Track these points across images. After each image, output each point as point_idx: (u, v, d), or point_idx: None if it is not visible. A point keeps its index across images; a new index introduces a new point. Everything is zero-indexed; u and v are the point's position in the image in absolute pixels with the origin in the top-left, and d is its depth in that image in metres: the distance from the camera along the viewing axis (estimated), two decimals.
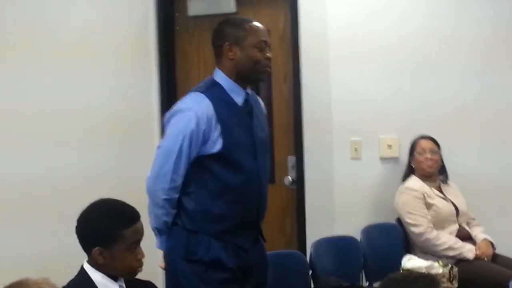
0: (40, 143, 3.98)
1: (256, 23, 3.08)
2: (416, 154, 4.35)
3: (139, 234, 2.56)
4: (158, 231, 3.04)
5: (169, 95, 4.92)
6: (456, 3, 4.55)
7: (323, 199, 4.63)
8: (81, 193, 4.06)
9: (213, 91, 2.99)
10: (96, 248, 2.47)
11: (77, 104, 4.22)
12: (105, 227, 2.49)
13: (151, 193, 3.00)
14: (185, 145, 2.91)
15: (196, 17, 5.02)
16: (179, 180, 2.97)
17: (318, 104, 4.66)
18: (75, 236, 2.55)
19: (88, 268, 2.52)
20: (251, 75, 3.05)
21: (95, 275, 2.51)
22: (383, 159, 4.66)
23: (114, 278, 2.53)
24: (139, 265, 2.57)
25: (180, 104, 3.01)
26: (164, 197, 2.96)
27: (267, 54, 3.05)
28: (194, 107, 2.93)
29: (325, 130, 4.65)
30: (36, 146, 3.96)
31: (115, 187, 4.26)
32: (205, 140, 2.94)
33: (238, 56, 3.00)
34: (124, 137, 4.60)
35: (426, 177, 4.34)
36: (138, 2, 4.90)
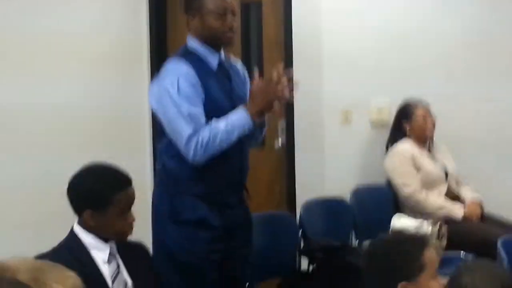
0: (30, 146, 3.98)
1: None
2: (416, 119, 4.40)
3: (131, 198, 2.57)
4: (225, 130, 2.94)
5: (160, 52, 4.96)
6: None
7: (313, 162, 4.69)
8: (75, 119, 4.20)
9: (189, 56, 3.01)
10: (88, 210, 2.48)
11: (68, 107, 4.22)
12: (98, 190, 2.49)
13: (198, 150, 2.90)
14: (183, 82, 2.91)
15: None
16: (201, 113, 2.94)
17: (309, 70, 4.67)
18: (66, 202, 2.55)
19: (79, 230, 2.51)
20: (213, 42, 3.05)
21: (86, 237, 2.50)
22: (373, 123, 4.73)
23: (105, 240, 2.53)
24: (129, 229, 2.58)
25: (161, 72, 3.02)
26: (207, 133, 2.90)
27: (229, 23, 3.02)
28: (179, 67, 2.96)
29: (315, 97, 4.69)
30: (27, 150, 3.96)
31: (103, 114, 4.41)
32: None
33: (197, 25, 3.02)
34: (115, 140, 4.60)
35: (418, 141, 4.41)
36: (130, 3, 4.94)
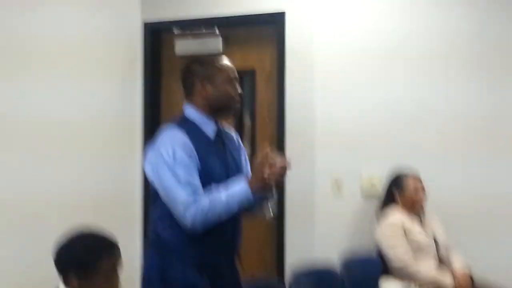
0: (21, 155, 3.98)
1: (224, 60, 3.17)
2: (408, 191, 4.41)
3: (117, 263, 2.57)
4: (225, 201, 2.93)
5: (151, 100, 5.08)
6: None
7: (303, 233, 4.69)
8: (65, 205, 4.16)
9: (186, 125, 3.05)
10: (74, 280, 2.47)
11: (59, 114, 4.28)
12: (82, 258, 2.50)
13: (197, 218, 2.91)
14: (180, 152, 2.93)
15: (183, 57, 5.11)
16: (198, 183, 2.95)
17: (301, 142, 4.77)
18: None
19: None
20: (223, 110, 3.12)
21: None
22: (365, 197, 4.75)
23: None
24: None
25: (157, 139, 3.04)
26: (207, 202, 2.91)
27: (238, 90, 3.14)
28: (175, 135, 2.99)
29: (307, 166, 4.74)
30: (18, 158, 3.97)
31: (97, 199, 4.37)
32: None
33: (211, 92, 3.08)
34: (106, 146, 4.69)
35: (409, 209, 4.41)
36: (127, 39, 5.04)
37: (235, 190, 2.91)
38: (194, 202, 2.89)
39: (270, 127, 4.94)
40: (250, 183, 2.90)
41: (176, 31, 5.10)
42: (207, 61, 3.17)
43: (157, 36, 5.21)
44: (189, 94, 3.15)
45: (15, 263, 3.86)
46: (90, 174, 4.50)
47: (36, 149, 4.09)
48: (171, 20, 5.13)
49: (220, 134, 3.17)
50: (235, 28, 5.06)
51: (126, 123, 4.98)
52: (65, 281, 2.51)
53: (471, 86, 4.62)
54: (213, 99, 3.09)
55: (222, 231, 3.06)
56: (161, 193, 2.97)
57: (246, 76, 4.94)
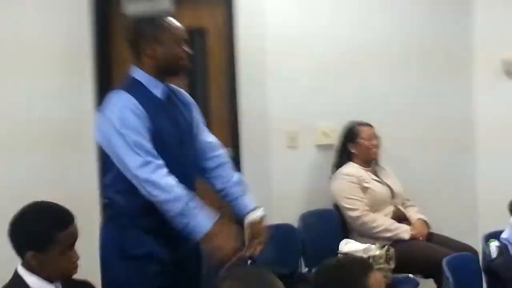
0: None
1: (172, 19, 3.10)
2: (361, 141, 4.44)
3: (74, 237, 2.55)
4: (189, 197, 2.94)
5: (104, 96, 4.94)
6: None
7: (260, 189, 4.70)
8: (18, 198, 4.09)
9: (135, 88, 3.01)
10: (30, 252, 2.45)
11: (11, 111, 4.26)
12: (38, 231, 2.47)
13: (148, 183, 2.87)
14: (130, 116, 2.90)
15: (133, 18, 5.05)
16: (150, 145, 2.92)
17: (254, 95, 4.74)
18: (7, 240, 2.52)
19: (23, 272, 2.48)
20: (172, 70, 3.08)
21: (30, 279, 2.47)
22: (319, 147, 4.78)
23: (50, 280, 2.50)
24: (74, 267, 2.56)
25: (106, 105, 3.00)
26: (164, 172, 2.89)
27: (186, 50, 3.09)
28: (123, 99, 2.96)
29: (261, 120, 4.75)
30: None
31: (51, 192, 4.26)
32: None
33: (159, 53, 3.02)
34: (59, 143, 4.58)
35: (363, 162, 4.46)
36: (73, 3, 4.93)
37: (199, 220, 2.89)
38: (146, 163, 2.87)
39: (222, 81, 4.91)
40: (208, 238, 2.90)
41: None
42: (153, 21, 3.10)
43: None
44: (136, 56, 3.08)
45: None
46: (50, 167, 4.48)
47: None
48: None
49: (169, 94, 3.14)
50: None
51: (79, 71, 4.82)
52: (22, 258, 2.49)
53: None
54: (161, 60, 3.03)
55: None
56: (115, 160, 2.94)
57: (197, 35, 4.87)
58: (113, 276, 3.04)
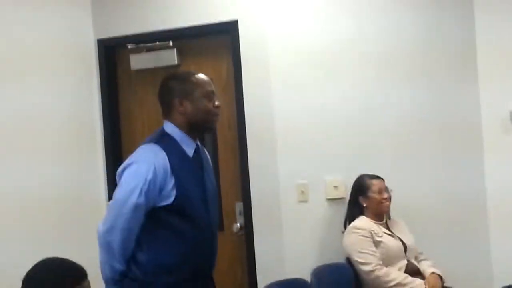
0: None
1: (200, 75, 3.18)
2: (372, 194, 4.41)
3: None
4: (114, 282, 3.02)
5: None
6: None
7: (272, 244, 4.67)
8: (26, 207, 4.11)
9: (167, 142, 3.04)
10: None
11: (20, 118, 4.24)
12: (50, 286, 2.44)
13: (105, 244, 2.98)
14: (142, 197, 2.93)
15: (138, 71, 5.09)
16: (136, 230, 2.98)
17: (263, 150, 4.73)
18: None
19: None
20: (203, 125, 3.14)
21: None
22: (330, 200, 4.73)
23: None
24: None
25: (136, 156, 3.04)
26: (121, 246, 2.96)
27: (216, 103, 3.14)
28: (152, 159, 2.97)
29: (271, 174, 4.71)
30: None
31: (58, 200, 4.33)
32: (160, 192, 2.97)
33: (189, 109, 3.07)
34: (68, 153, 4.65)
35: (375, 216, 4.42)
36: (82, 58, 4.96)
37: None
38: (108, 244, 2.98)
39: (230, 136, 4.89)
40: None
41: (130, 46, 5.03)
42: (182, 77, 3.19)
43: (111, 52, 5.13)
44: (168, 112, 3.15)
45: None
46: (51, 182, 4.43)
47: None
48: (124, 35, 5.05)
49: (198, 152, 3.16)
50: (189, 40, 5.00)
51: (88, 134, 4.97)
52: None
53: (419, 87, 4.70)
54: (192, 116, 3.08)
55: (199, 257, 3.09)
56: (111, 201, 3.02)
57: None
58: None
